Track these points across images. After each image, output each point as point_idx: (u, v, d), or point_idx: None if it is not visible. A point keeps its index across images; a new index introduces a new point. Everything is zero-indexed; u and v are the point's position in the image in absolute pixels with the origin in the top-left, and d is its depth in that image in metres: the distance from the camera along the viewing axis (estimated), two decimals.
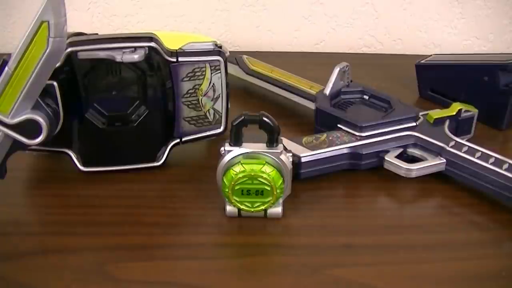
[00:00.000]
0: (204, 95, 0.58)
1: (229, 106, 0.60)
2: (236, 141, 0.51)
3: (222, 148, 0.51)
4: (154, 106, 0.57)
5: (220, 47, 0.59)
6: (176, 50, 0.56)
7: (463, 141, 0.58)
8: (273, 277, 0.47)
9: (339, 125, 0.61)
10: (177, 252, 0.50)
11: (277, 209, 0.52)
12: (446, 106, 0.64)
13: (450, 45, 0.91)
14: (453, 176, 0.57)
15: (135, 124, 0.57)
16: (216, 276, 0.47)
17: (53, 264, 0.47)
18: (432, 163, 0.57)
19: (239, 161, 0.50)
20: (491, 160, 0.55)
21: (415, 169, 0.57)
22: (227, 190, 0.50)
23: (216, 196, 0.53)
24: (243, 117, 0.50)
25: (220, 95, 0.59)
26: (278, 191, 0.50)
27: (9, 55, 0.47)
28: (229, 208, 0.52)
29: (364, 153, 0.58)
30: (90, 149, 0.57)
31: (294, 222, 0.53)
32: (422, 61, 0.75)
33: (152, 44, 0.54)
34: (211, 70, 0.58)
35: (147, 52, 0.54)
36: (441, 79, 0.73)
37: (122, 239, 0.50)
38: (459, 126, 0.63)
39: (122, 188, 0.56)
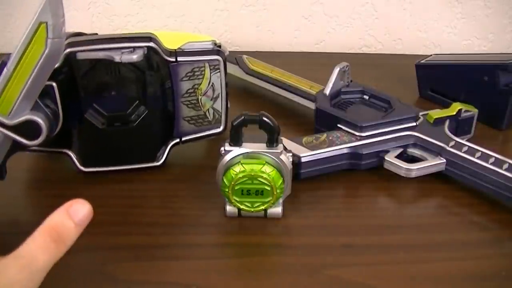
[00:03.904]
0: (204, 94, 0.58)
1: (228, 106, 0.60)
2: (236, 141, 0.51)
3: (222, 148, 0.51)
4: (153, 106, 0.57)
5: (219, 46, 0.59)
6: (175, 49, 0.56)
7: (463, 141, 0.58)
8: (273, 277, 0.47)
9: (339, 125, 0.61)
10: (177, 252, 0.50)
11: (277, 209, 0.52)
12: (446, 106, 0.64)
13: (450, 45, 0.91)
14: (453, 176, 0.57)
15: (134, 124, 0.57)
16: (216, 276, 0.47)
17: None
18: (432, 163, 0.57)
19: (239, 161, 0.50)
20: (491, 160, 0.55)
21: (415, 169, 0.57)
22: (227, 190, 0.50)
23: (216, 196, 0.53)
24: (243, 117, 0.50)
25: (220, 95, 0.59)
26: (278, 191, 0.50)
27: (9, 55, 0.47)
28: (229, 208, 0.52)
29: (364, 153, 0.58)
30: (90, 150, 0.57)
31: (294, 222, 0.53)
32: (422, 61, 0.75)
33: (151, 44, 0.54)
34: (210, 69, 0.57)
35: (146, 52, 0.54)
36: (441, 79, 0.73)
37: (122, 239, 0.50)
38: (459, 126, 0.63)
39: (122, 188, 0.56)
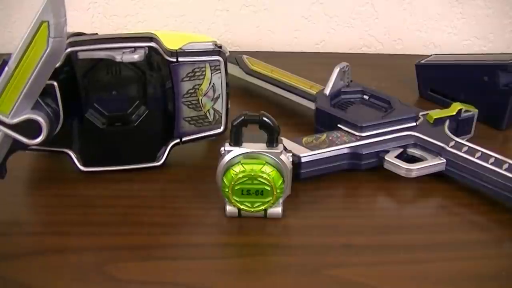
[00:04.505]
0: (204, 95, 0.58)
1: (229, 106, 0.60)
2: (236, 141, 0.51)
3: (222, 148, 0.51)
4: (154, 106, 0.57)
5: (220, 47, 0.59)
6: (176, 50, 0.56)
7: (463, 141, 0.58)
8: (273, 277, 0.47)
9: (339, 125, 0.61)
10: (177, 252, 0.50)
11: (277, 209, 0.52)
12: (446, 106, 0.64)
13: (450, 45, 0.91)
14: (453, 176, 0.57)
15: (135, 124, 0.57)
16: (216, 276, 0.47)
17: (53, 264, 0.47)
18: (432, 163, 0.57)
19: (239, 161, 0.50)
20: (491, 160, 0.55)
21: (415, 169, 0.57)
22: (227, 190, 0.50)
23: (216, 196, 0.53)
24: (243, 117, 0.50)
25: (220, 95, 0.59)
26: (278, 191, 0.50)
27: (10, 55, 0.47)
28: (229, 208, 0.52)
29: (364, 153, 0.58)
30: (90, 149, 0.58)
31: (294, 222, 0.53)
32: (422, 61, 0.75)
33: (152, 44, 0.54)
34: (211, 70, 0.58)
35: (147, 52, 0.54)
36: (441, 79, 0.73)
37: (122, 239, 0.50)
38: (459, 126, 0.63)
39: (122, 188, 0.56)
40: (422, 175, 0.57)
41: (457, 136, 0.60)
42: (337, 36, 0.91)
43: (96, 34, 0.59)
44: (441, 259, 0.49)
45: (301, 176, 0.57)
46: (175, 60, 0.56)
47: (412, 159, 0.59)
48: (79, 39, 0.54)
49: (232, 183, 0.50)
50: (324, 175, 0.58)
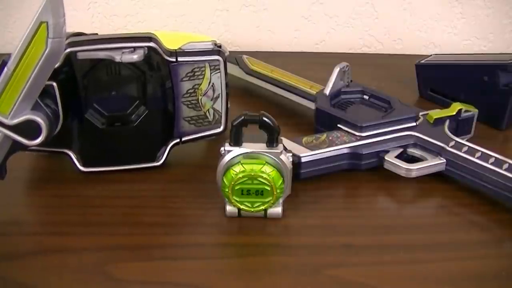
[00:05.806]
0: (204, 94, 0.58)
1: (229, 106, 0.60)
2: (236, 141, 0.51)
3: (222, 148, 0.51)
4: (153, 106, 0.57)
5: (220, 46, 0.59)
6: (176, 50, 0.56)
7: (463, 141, 0.58)
8: (273, 277, 0.47)
9: (339, 125, 0.61)
10: (177, 252, 0.50)
11: (277, 209, 0.52)
12: (446, 106, 0.64)
13: (450, 45, 0.91)
14: (453, 176, 0.57)
15: (134, 124, 0.57)
16: (216, 276, 0.47)
17: (53, 264, 0.47)
18: (432, 163, 0.57)
19: (239, 161, 0.50)
20: (491, 160, 0.55)
21: (415, 169, 0.57)
22: (227, 190, 0.50)
23: (216, 196, 0.53)
24: (243, 117, 0.50)
25: (220, 95, 0.59)
26: (278, 191, 0.50)
27: (9, 55, 0.47)
28: (229, 208, 0.52)
29: (364, 153, 0.58)
30: (90, 149, 0.58)
31: (294, 222, 0.53)
32: (422, 61, 0.75)
33: (151, 44, 0.54)
34: (210, 69, 0.58)
35: (146, 52, 0.54)
36: (441, 79, 0.73)
37: (122, 239, 0.50)
38: (459, 126, 0.63)
39: (122, 188, 0.56)
40: (422, 175, 0.57)
41: (457, 136, 0.59)
42: (337, 36, 0.91)
43: (96, 34, 0.59)
44: (441, 259, 0.49)
45: (301, 176, 0.57)
46: (174, 60, 0.56)
47: (412, 159, 0.59)
48: (79, 39, 0.54)
49: (232, 183, 0.50)
50: (324, 175, 0.58)
